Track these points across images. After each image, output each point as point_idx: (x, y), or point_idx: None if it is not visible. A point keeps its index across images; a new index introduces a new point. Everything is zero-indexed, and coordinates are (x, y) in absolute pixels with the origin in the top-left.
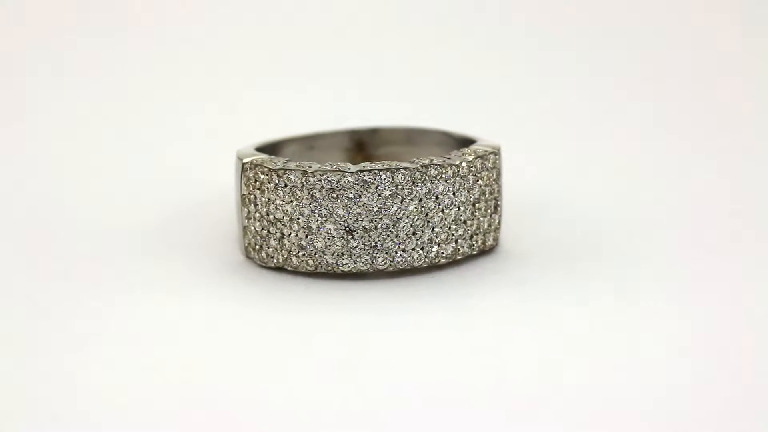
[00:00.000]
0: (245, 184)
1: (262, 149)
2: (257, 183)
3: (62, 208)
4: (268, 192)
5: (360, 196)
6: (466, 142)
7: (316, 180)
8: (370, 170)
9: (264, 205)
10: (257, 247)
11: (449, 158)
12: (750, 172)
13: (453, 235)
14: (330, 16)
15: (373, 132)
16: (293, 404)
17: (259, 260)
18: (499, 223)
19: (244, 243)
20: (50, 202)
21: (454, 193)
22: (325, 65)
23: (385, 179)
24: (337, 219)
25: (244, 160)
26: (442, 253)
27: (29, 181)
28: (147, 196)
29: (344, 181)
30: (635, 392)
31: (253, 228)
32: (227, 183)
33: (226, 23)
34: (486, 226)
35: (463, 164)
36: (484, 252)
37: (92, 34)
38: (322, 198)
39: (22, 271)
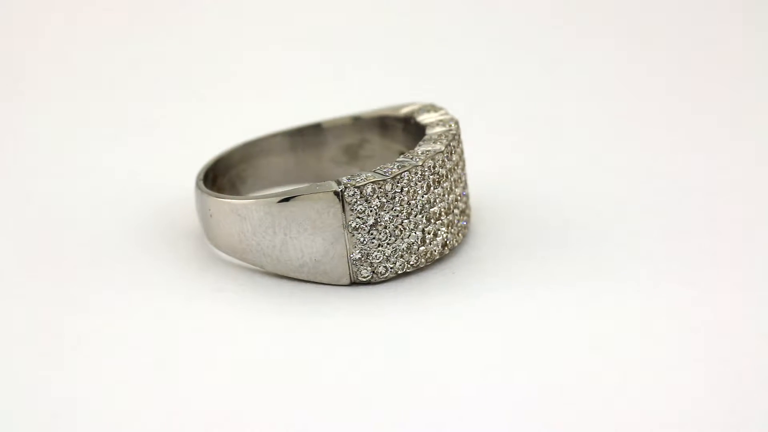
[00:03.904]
0: (351, 210)
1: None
2: (371, 201)
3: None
4: (386, 204)
5: (446, 176)
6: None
7: (423, 170)
8: (444, 149)
9: (382, 218)
10: (375, 264)
11: (448, 129)
12: (727, 157)
13: (465, 203)
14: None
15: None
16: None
17: (377, 276)
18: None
19: (350, 271)
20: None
21: (460, 158)
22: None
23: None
24: (441, 203)
25: (337, 188)
26: (464, 223)
27: (20, 182)
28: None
29: (441, 161)
30: (645, 395)
31: (366, 248)
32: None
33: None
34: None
35: (458, 134)
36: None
37: (81, 36)
38: (429, 187)
39: (19, 272)
